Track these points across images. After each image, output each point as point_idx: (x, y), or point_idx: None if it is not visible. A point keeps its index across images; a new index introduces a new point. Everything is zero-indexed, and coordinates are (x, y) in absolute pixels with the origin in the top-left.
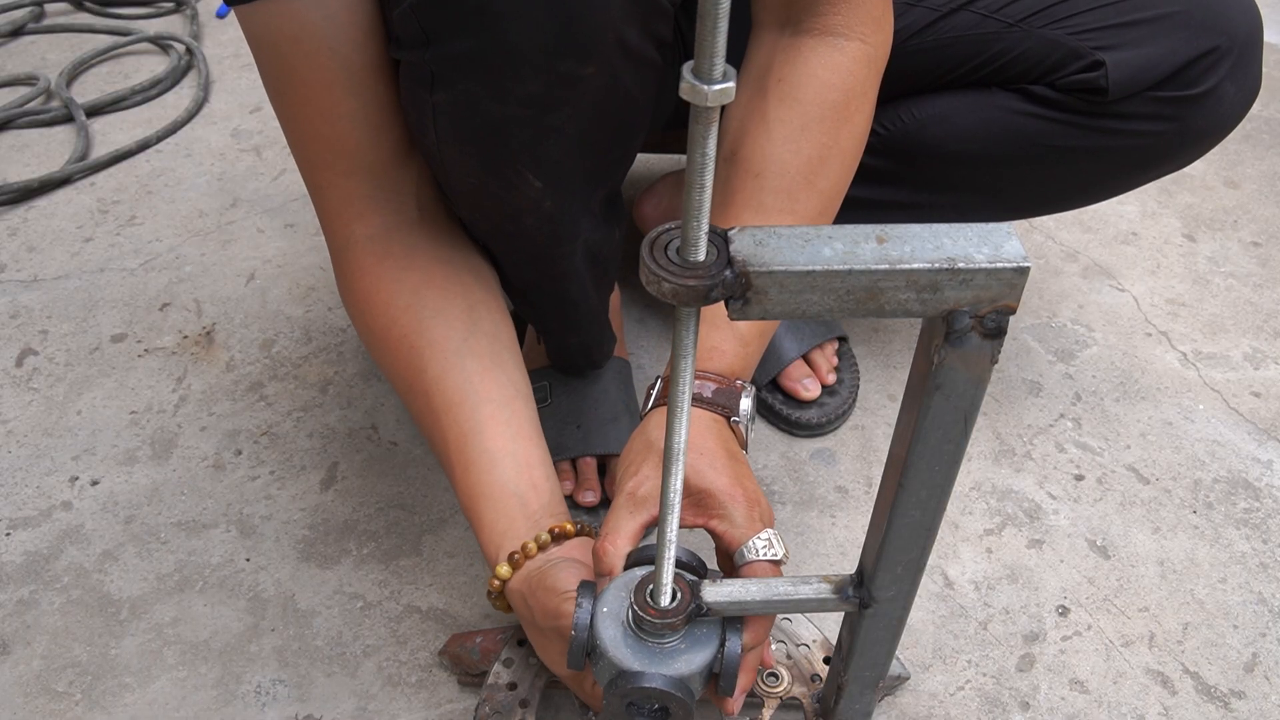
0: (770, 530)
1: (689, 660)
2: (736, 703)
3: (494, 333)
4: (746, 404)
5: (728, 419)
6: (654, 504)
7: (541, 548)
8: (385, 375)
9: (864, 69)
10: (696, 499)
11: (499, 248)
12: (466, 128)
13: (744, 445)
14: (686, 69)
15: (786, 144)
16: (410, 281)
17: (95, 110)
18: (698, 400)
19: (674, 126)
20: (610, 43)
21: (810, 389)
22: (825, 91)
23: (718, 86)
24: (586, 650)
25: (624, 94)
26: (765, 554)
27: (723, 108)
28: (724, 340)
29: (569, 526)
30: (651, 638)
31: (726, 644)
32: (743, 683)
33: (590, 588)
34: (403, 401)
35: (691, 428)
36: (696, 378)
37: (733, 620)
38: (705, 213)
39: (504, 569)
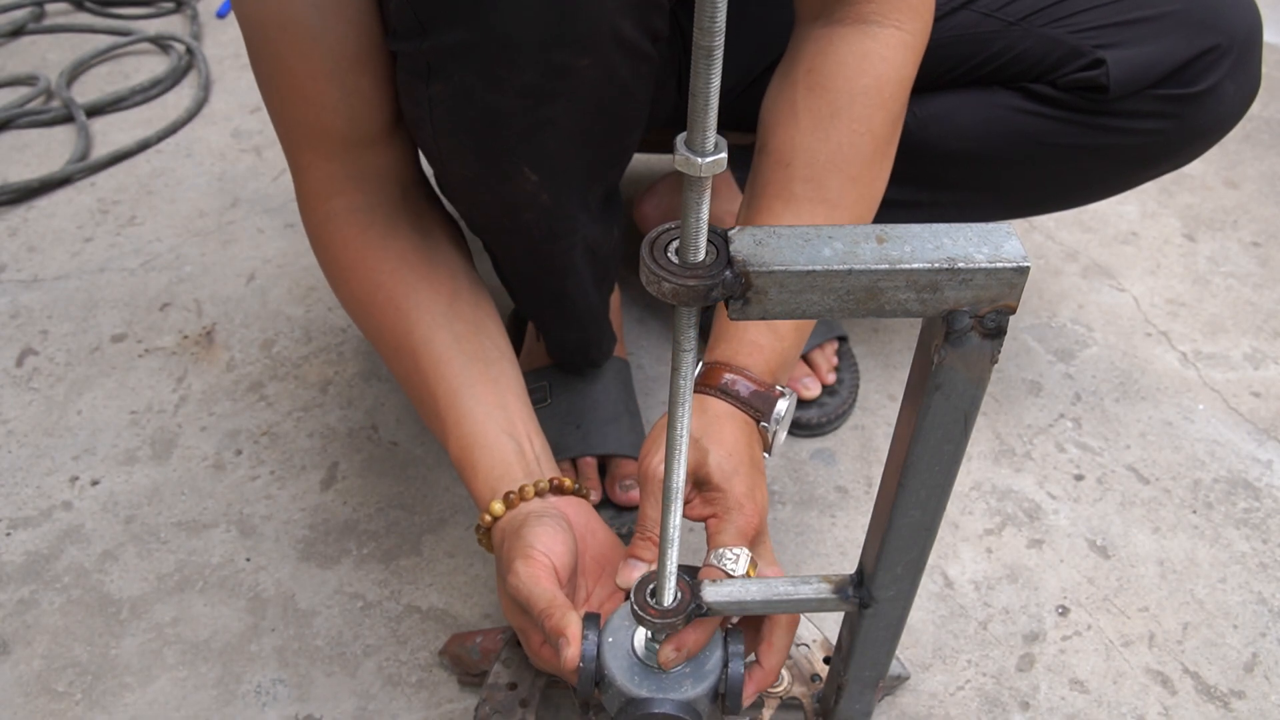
0: (747, 551)
1: (694, 684)
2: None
3: (476, 301)
4: (781, 408)
5: (757, 422)
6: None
7: (539, 493)
8: (370, 339)
9: (898, 55)
10: (710, 494)
11: (497, 243)
12: (463, 119)
13: (768, 449)
14: (680, 141)
15: (814, 132)
16: (395, 248)
17: (95, 110)
18: (732, 398)
19: (673, 125)
20: (605, 35)
21: (810, 389)
22: (856, 78)
23: (709, 159)
24: (595, 680)
25: (620, 87)
26: (726, 567)
27: (757, 101)
28: (761, 334)
29: (567, 482)
30: (654, 656)
31: (729, 665)
32: (749, 691)
33: (595, 619)
34: (387, 364)
35: (723, 424)
36: (733, 373)
37: (734, 638)
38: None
39: (498, 505)
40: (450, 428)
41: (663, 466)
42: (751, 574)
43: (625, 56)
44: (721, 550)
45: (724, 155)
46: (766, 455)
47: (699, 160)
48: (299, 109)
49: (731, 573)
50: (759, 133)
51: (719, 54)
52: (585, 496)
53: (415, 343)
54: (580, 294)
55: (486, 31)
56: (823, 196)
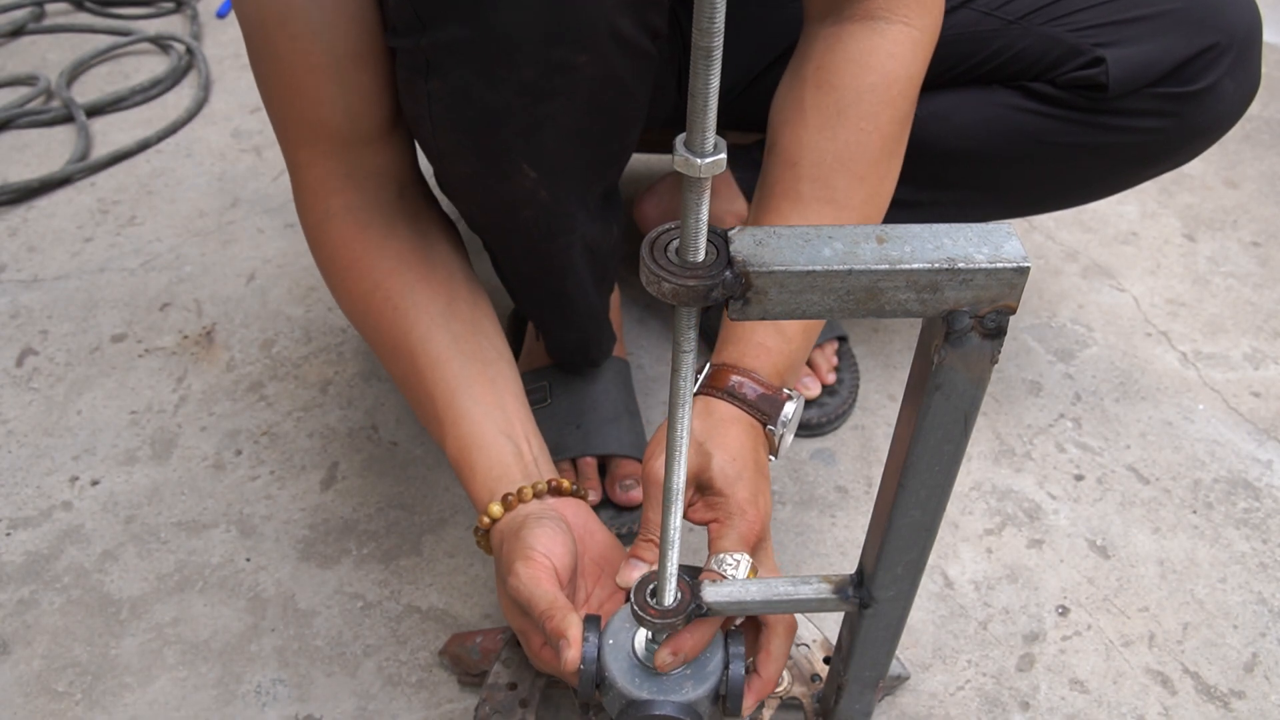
0: (747, 557)
1: (695, 686)
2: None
3: (474, 301)
4: (788, 411)
5: (764, 425)
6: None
7: (537, 495)
8: (367, 339)
9: (907, 51)
10: (713, 499)
11: (496, 241)
12: (462, 116)
13: (774, 451)
14: (679, 141)
15: (821, 130)
16: (392, 249)
17: (95, 110)
18: (739, 400)
19: (673, 124)
20: (603, 32)
21: (810, 389)
22: (863, 75)
23: (709, 159)
24: (595, 682)
25: (618, 85)
26: (726, 573)
27: (758, 101)
28: (768, 336)
29: (565, 483)
30: (653, 657)
31: (730, 667)
32: (748, 702)
33: (596, 621)
34: (384, 364)
35: (729, 428)
36: (741, 375)
37: (735, 640)
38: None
39: (496, 508)
40: (448, 428)
41: (656, 465)
42: None
43: (624, 54)
44: (722, 555)
45: (723, 156)
46: (772, 458)
47: (698, 161)
48: (298, 105)
49: (732, 579)
50: (768, 132)
51: (718, 54)
52: (583, 498)
53: (413, 343)
54: (580, 293)
55: (485, 29)
56: (830, 196)
